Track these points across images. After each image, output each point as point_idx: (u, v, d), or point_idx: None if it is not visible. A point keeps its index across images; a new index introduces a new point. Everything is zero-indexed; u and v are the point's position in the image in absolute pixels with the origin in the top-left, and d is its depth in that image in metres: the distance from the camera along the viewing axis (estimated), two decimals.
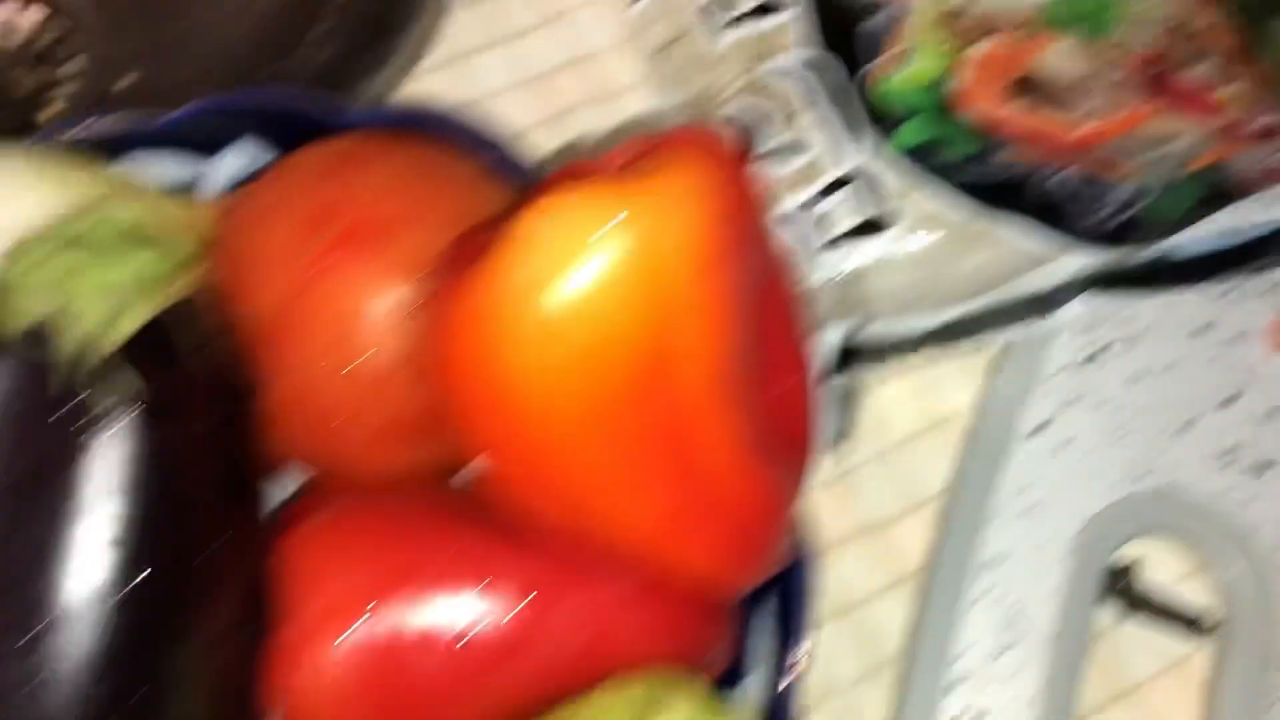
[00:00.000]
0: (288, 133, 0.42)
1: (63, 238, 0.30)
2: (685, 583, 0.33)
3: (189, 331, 0.31)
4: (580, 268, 0.27)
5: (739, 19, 0.40)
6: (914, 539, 0.43)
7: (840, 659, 0.42)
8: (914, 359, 0.41)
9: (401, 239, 0.35)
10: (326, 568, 0.33)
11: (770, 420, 0.32)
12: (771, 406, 0.32)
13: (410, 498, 0.35)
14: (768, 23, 0.39)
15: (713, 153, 0.29)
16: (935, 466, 0.43)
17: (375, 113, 0.42)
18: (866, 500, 0.43)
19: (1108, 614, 0.42)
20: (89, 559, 0.28)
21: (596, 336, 0.27)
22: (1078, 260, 0.38)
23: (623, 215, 0.27)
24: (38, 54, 0.72)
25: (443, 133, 0.39)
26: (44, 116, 0.70)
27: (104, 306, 0.29)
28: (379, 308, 0.34)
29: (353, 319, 0.34)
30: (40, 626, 0.27)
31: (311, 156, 0.37)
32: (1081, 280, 0.39)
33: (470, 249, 0.31)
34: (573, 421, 0.28)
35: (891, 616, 0.42)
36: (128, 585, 0.28)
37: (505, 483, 0.31)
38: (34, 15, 0.72)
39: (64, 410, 0.28)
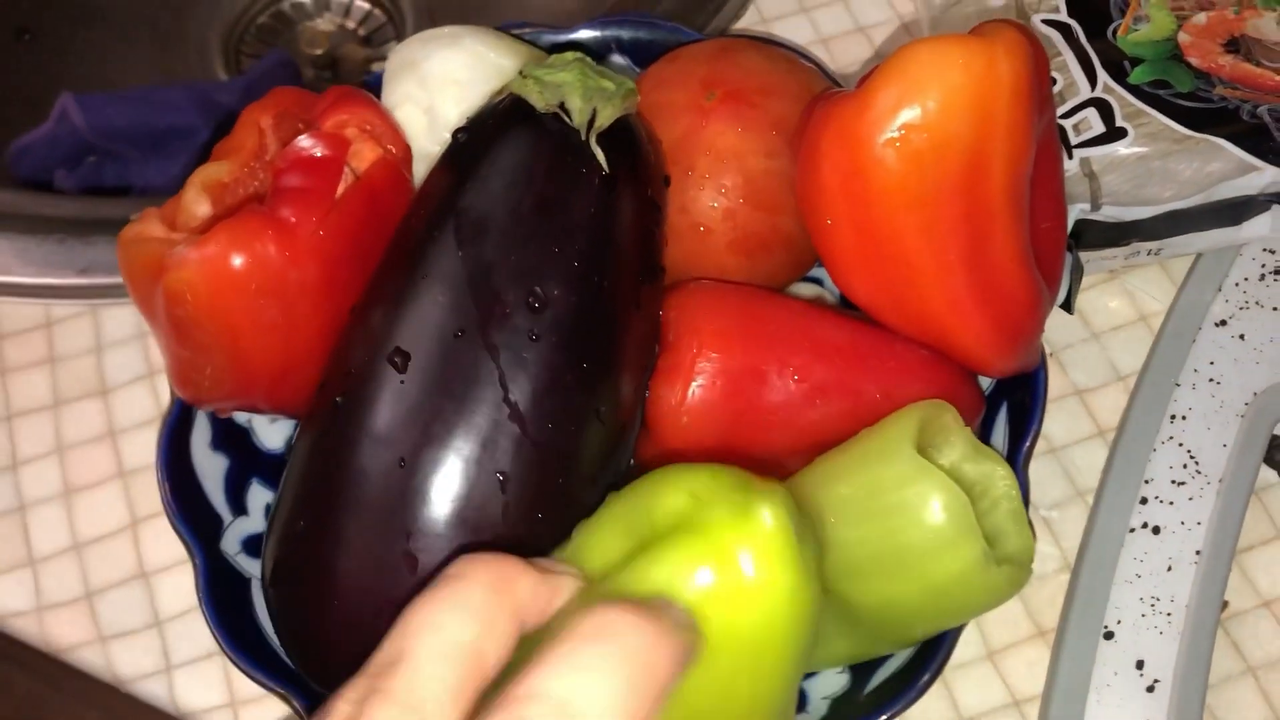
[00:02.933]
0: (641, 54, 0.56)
1: (561, 64, 0.44)
2: (961, 357, 0.45)
3: (638, 131, 0.44)
4: (935, 87, 0.39)
5: None
6: (1111, 403, 0.54)
7: (1045, 487, 0.52)
8: (1125, 254, 0.52)
9: (767, 103, 0.48)
10: (698, 317, 0.45)
11: (1035, 245, 0.44)
12: (1035, 236, 0.44)
13: (754, 287, 0.47)
14: None
15: (1025, 30, 0.41)
16: (1133, 350, 0.54)
17: (716, 39, 0.55)
18: (1075, 372, 0.55)
19: (1269, 474, 0.52)
20: (571, 266, 0.41)
21: (941, 136, 0.40)
22: (1268, 176, 0.49)
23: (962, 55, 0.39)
24: (365, 36, 0.89)
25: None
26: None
27: (589, 104, 0.43)
28: (747, 147, 0.48)
29: (727, 153, 0.48)
30: (535, 300, 0.40)
31: (698, 47, 0.51)
32: (1270, 195, 0.50)
33: (815, 107, 0.43)
34: (910, 200, 0.40)
35: (1088, 459, 0.53)
36: (594, 286, 0.41)
37: (837, 258, 0.44)
38: (363, 4, 0.90)
39: (577, 158, 0.41)
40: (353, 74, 0.87)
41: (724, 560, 0.31)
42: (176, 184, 0.75)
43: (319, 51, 0.87)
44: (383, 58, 0.88)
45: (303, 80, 0.84)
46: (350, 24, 0.90)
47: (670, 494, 0.35)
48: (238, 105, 0.79)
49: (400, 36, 0.88)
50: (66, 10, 0.84)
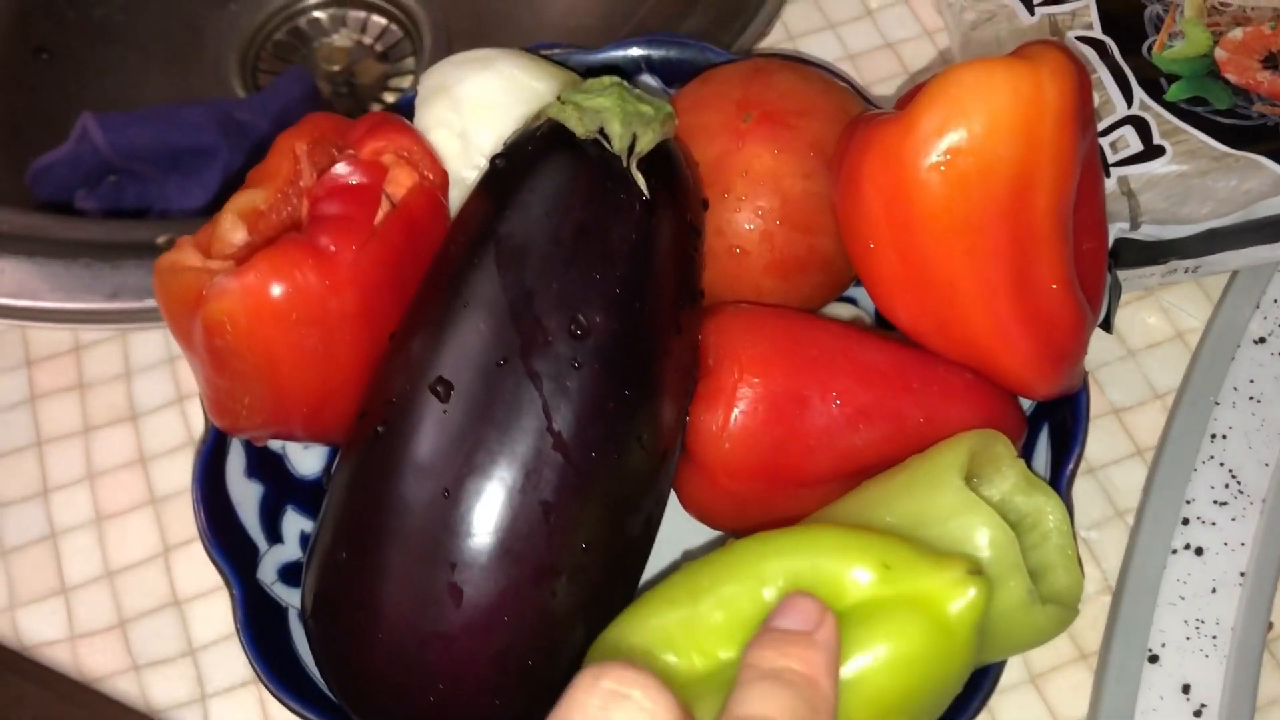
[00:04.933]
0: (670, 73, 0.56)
1: (599, 89, 0.43)
2: (1004, 380, 0.44)
3: (677, 155, 0.44)
4: (981, 110, 0.39)
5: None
6: (1149, 421, 0.53)
7: (1084, 508, 0.52)
8: (1163, 272, 0.52)
9: (803, 124, 0.48)
10: (738, 341, 0.45)
11: (1077, 266, 0.44)
12: (1077, 257, 0.44)
13: (793, 311, 0.47)
14: (1069, 5, 0.52)
15: (1068, 52, 0.41)
16: (1170, 368, 0.54)
17: (744, 57, 0.55)
18: (1112, 391, 0.54)
19: None
20: (612, 293, 0.41)
21: (987, 160, 0.39)
22: None
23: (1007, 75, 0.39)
24: (382, 52, 0.89)
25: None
26: (381, 101, 0.87)
27: (629, 130, 0.42)
28: (784, 169, 0.47)
29: (764, 175, 0.47)
30: (577, 327, 0.40)
31: (732, 68, 0.51)
32: None
33: (856, 130, 0.43)
34: (955, 224, 0.40)
35: (1127, 479, 0.52)
36: (636, 312, 0.41)
37: (879, 282, 0.43)
38: (380, 20, 0.89)
39: (618, 184, 0.41)
40: (370, 90, 0.87)
41: (938, 627, 0.35)
42: (197, 203, 0.76)
43: (336, 68, 0.87)
44: (400, 73, 0.88)
45: (320, 96, 0.84)
46: (367, 40, 0.90)
47: (855, 565, 0.36)
48: (257, 123, 0.80)
49: (417, 52, 0.88)
50: (84, 29, 0.84)
